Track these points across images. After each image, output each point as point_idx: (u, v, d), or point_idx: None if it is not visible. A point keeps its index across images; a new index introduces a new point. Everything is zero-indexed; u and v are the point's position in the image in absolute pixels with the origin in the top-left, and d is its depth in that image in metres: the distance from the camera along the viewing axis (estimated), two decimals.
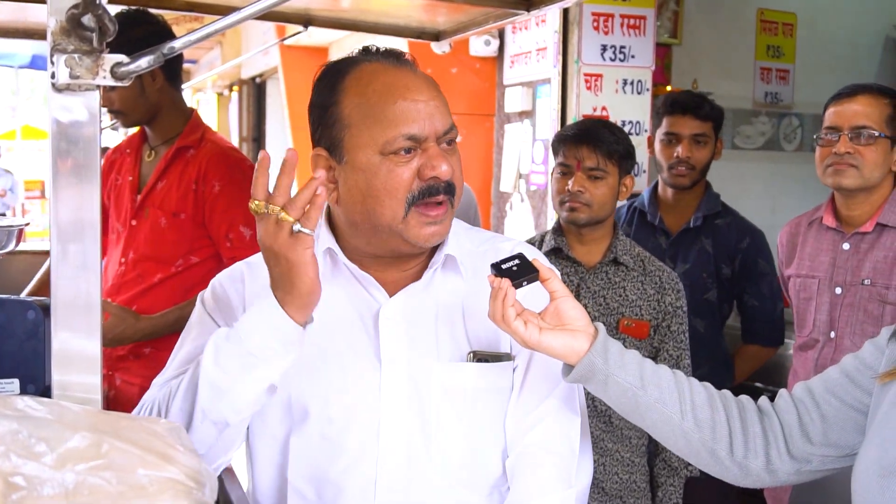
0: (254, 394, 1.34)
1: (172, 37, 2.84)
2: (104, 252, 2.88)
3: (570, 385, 1.50)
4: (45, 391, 1.07)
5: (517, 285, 1.35)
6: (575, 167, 2.39)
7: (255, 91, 10.69)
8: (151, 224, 2.70)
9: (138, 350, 2.74)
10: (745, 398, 1.46)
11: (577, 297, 2.37)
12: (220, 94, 12.43)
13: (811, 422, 1.38)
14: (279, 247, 1.27)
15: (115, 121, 2.90)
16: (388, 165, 1.39)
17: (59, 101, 1.02)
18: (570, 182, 2.38)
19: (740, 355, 3.13)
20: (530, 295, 1.42)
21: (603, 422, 2.36)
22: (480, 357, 1.47)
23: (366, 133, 1.39)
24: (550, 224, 4.34)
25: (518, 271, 1.35)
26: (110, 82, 1.01)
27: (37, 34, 2.82)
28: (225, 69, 10.06)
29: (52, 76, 1.01)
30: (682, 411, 1.38)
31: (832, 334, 2.49)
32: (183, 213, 2.66)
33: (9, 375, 1.20)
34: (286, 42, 6.53)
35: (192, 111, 2.85)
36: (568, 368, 1.40)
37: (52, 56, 1.00)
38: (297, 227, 1.26)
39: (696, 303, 2.94)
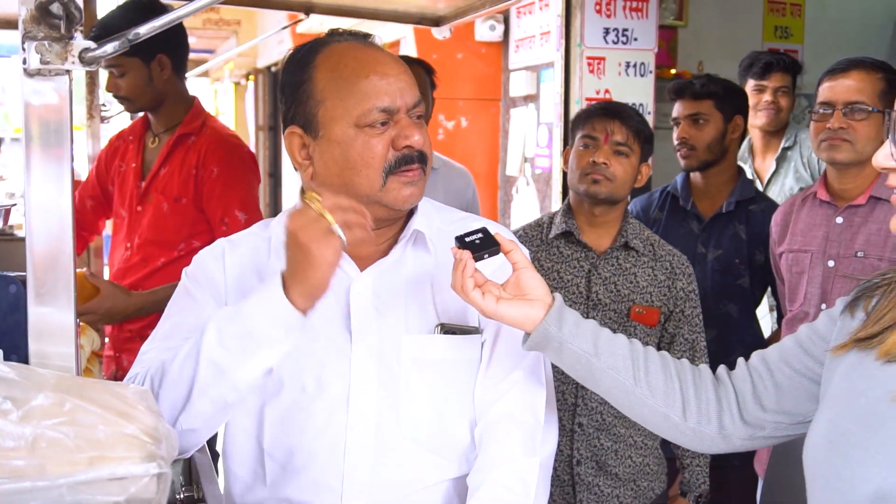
0: (254, 374, 1.38)
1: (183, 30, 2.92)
2: (110, 235, 2.97)
3: (536, 358, 1.55)
4: (27, 362, 1.13)
5: (478, 258, 1.39)
6: (602, 140, 2.34)
7: (271, 80, 10.74)
8: (155, 209, 2.78)
9: (144, 332, 2.81)
10: (703, 367, 1.50)
11: (588, 283, 2.36)
12: (236, 84, 12.49)
13: (765, 389, 1.42)
14: (306, 237, 1.30)
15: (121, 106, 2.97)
16: (364, 137, 1.45)
17: (30, 86, 1.08)
18: (595, 155, 2.33)
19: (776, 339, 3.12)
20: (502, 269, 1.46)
21: (615, 408, 2.36)
22: (448, 329, 1.52)
23: (340, 106, 1.46)
24: (555, 208, 4.38)
25: (480, 244, 1.40)
26: (79, 67, 1.07)
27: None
28: (233, 56, 10.10)
29: (24, 62, 1.07)
30: (636, 378, 1.42)
31: (823, 306, 2.51)
32: (184, 198, 2.73)
33: None
34: (299, 31, 6.59)
35: (194, 99, 2.91)
36: (527, 336, 1.44)
37: (23, 43, 1.06)
38: (336, 227, 1.30)
39: (729, 288, 2.95)
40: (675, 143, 3.05)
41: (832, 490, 1.21)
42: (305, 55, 1.52)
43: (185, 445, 1.43)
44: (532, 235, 2.46)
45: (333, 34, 1.54)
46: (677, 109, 3.07)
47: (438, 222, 1.61)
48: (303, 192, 1.40)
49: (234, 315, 1.36)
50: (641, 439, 2.38)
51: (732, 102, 3.04)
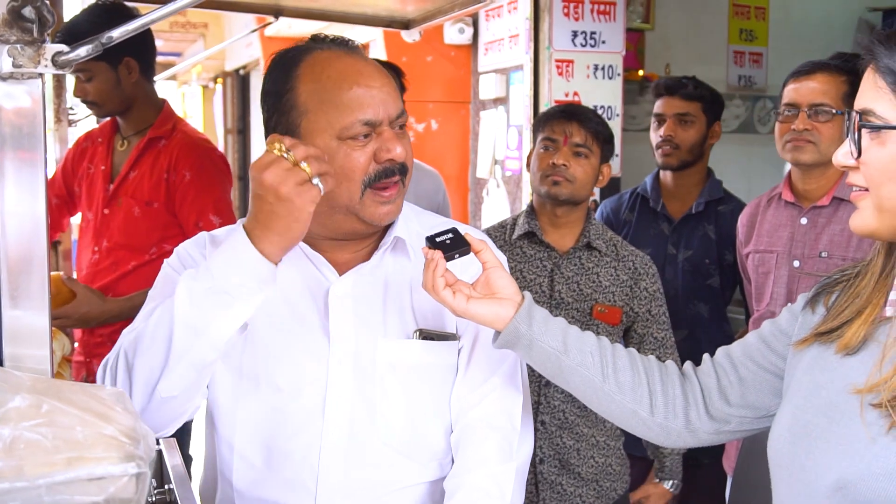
0: (230, 330, 1.37)
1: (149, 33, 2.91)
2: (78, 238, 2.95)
3: (513, 364, 1.57)
4: (1, 365, 1.14)
5: (449, 258, 1.41)
6: (562, 142, 2.39)
7: (239, 83, 10.72)
8: (125, 213, 2.77)
9: (115, 337, 2.79)
10: (669, 363, 1.53)
11: (552, 282, 2.39)
12: (204, 87, 12.44)
13: (729, 384, 1.45)
14: (287, 190, 1.29)
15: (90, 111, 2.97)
16: (346, 150, 1.44)
17: (3, 90, 1.09)
18: (554, 157, 2.38)
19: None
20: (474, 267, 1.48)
21: (578, 406, 2.37)
22: (426, 335, 1.53)
23: (323, 118, 1.44)
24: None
25: (451, 244, 1.42)
26: (52, 71, 1.07)
27: None
28: (201, 59, 10.05)
29: None
30: (604, 374, 1.45)
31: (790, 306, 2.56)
32: (156, 202, 2.73)
33: None
34: (267, 34, 6.58)
35: (163, 102, 2.91)
36: (497, 335, 1.46)
37: None
38: (315, 180, 1.30)
39: (699, 288, 2.99)
40: (659, 139, 3.06)
41: (795, 481, 1.24)
42: (288, 63, 1.49)
43: (163, 418, 1.41)
44: (496, 236, 2.50)
45: (316, 40, 1.53)
46: (663, 106, 3.09)
47: (417, 226, 1.61)
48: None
49: (203, 273, 1.35)
50: (604, 439, 2.41)
51: (714, 109, 3.10)
